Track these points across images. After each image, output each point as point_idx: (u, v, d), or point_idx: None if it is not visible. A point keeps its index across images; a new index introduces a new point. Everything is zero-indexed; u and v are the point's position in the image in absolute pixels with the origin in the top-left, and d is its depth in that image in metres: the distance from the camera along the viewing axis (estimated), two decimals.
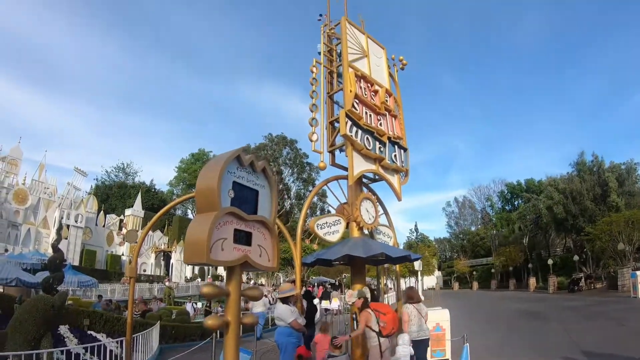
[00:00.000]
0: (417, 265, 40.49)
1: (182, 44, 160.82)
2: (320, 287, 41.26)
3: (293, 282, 11.72)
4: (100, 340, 13.75)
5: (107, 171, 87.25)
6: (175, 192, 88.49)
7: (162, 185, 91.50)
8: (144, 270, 60.75)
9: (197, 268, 62.91)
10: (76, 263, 48.75)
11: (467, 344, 11.17)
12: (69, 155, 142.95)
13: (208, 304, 32.05)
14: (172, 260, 63.09)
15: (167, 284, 44.85)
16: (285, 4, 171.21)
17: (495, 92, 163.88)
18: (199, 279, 57.28)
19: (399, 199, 13.94)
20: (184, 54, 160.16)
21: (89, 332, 14.14)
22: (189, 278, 59.28)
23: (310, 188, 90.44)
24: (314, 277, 55.51)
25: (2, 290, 19.94)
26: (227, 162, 3.47)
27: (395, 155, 14.00)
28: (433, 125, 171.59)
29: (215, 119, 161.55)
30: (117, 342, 11.56)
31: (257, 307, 23.14)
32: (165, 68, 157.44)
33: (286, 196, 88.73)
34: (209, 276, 60.03)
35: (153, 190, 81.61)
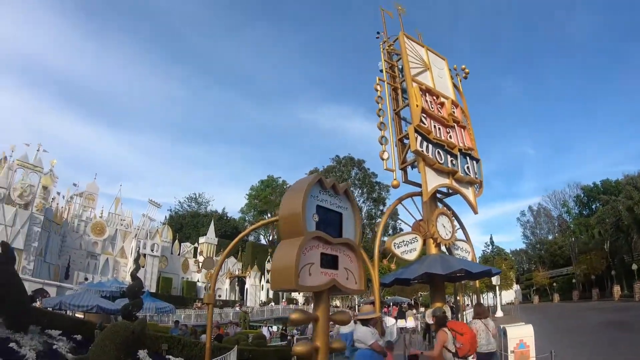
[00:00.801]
0: (495, 279, 39.03)
1: (239, 75, 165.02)
2: (395, 306, 40.45)
3: (372, 303, 11.39)
4: None
5: (180, 202, 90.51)
6: (247, 218, 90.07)
7: (234, 213, 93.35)
8: (219, 296, 61.40)
9: (271, 292, 63.26)
10: (153, 290, 50.30)
11: None
12: (142, 188, 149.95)
13: (284, 328, 32.01)
14: (246, 285, 63.76)
15: (237, 308, 45.19)
16: (336, 26, 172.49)
17: (558, 92, 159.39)
18: (272, 303, 57.43)
19: (475, 212, 13.46)
20: (242, 84, 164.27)
21: (167, 356, 14.22)
22: (263, 302, 59.56)
23: (381, 207, 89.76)
24: (389, 297, 54.44)
25: (83, 317, 20.65)
26: (309, 186, 3.42)
27: (467, 167, 13.57)
28: (497, 133, 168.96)
29: (281, 145, 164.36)
30: None
31: (345, 328, 22.99)
32: (226, 100, 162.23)
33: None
34: (283, 300, 60.11)
35: (225, 217, 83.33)
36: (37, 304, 21.50)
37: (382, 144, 12.38)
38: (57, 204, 52.27)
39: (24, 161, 46.33)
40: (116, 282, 42.03)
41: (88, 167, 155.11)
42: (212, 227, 66.57)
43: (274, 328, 34.37)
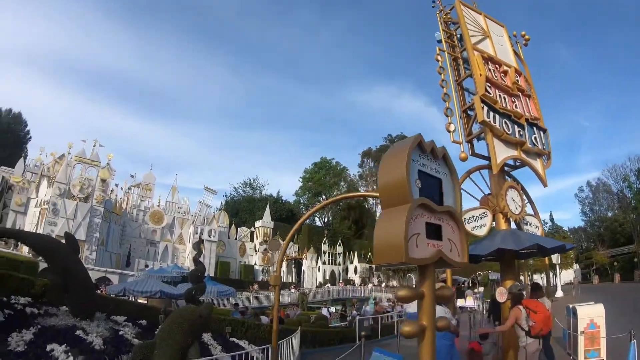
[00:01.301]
0: (555, 258, 37.78)
1: (288, 59, 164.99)
2: (453, 286, 39.73)
3: (443, 281, 10.95)
4: (243, 347, 13.71)
5: (234, 187, 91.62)
6: (301, 201, 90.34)
7: (289, 196, 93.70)
8: None
9: (327, 274, 63.48)
10: (212, 274, 51.19)
11: (635, 340, 9.55)
12: (197, 177, 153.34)
13: (344, 309, 31.79)
14: (303, 267, 64.11)
15: (292, 290, 45.38)
16: (381, 2, 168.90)
17: (617, 59, 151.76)
18: (329, 285, 57.50)
19: (545, 185, 12.93)
20: (290, 67, 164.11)
21: (231, 339, 14.13)
22: (320, 284, 59.72)
23: None
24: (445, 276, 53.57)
25: (146, 302, 20.92)
26: (411, 148, 3.08)
27: (535, 138, 13.11)
28: (552, 103, 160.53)
29: (333, 127, 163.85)
30: (261, 350, 11.29)
31: (412, 307, 22.54)
32: (277, 85, 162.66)
33: None
34: (340, 281, 60.09)
35: (280, 201, 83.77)
36: (101, 291, 22.01)
37: (447, 116, 11.92)
38: (116, 195, 54.72)
39: (82, 157, 48.56)
40: (176, 267, 43.15)
41: (143, 159, 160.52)
42: (267, 211, 67.17)
43: (332, 309, 34.26)
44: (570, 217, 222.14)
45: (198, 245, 16.64)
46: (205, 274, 43.33)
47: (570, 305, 14.66)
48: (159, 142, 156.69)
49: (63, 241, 12.26)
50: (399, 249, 2.76)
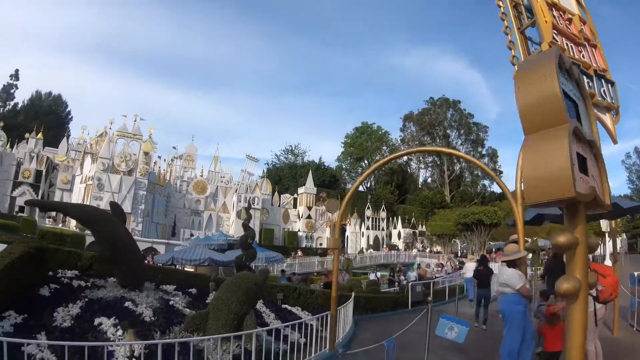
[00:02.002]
0: (605, 225, 36.03)
1: (323, 22, 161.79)
2: (499, 252, 38.59)
3: (515, 242, 9.99)
4: (296, 314, 13.15)
5: (276, 154, 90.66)
6: (343, 167, 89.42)
7: (331, 162, 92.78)
8: (320, 244, 62.08)
9: (371, 239, 62.85)
10: (256, 241, 50.66)
11: None
12: (238, 146, 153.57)
13: (392, 273, 31.07)
14: (346, 233, 63.54)
15: (344, 256, 44.95)
16: None
17: None
18: (371, 250, 56.91)
19: (615, 142, 11.95)
20: (327, 31, 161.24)
21: (283, 305, 13.58)
22: (363, 249, 59.23)
23: (480, 149, 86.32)
24: (492, 243, 52.31)
25: (194, 271, 20.58)
26: (556, 59, 2.24)
27: (604, 91, 12.02)
28: None
29: (371, 91, 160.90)
30: (317, 318, 10.60)
31: (468, 272, 21.43)
32: (312, 50, 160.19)
33: (455, 160, 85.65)
34: (383, 246, 59.46)
35: (322, 167, 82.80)
36: (149, 261, 21.80)
37: (514, 64, 10.90)
38: (159, 167, 55.30)
39: (123, 131, 48.85)
40: (222, 235, 43.11)
41: (184, 132, 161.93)
42: (310, 177, 66.51)
43: (379, 274, 33.47)
44: (616, 186, 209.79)
45: (247, 210, 15.98)
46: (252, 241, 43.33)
47: (636, 273, 13.70)
48: (199, 115, 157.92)
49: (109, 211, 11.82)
50: (563, 180, 1.98)
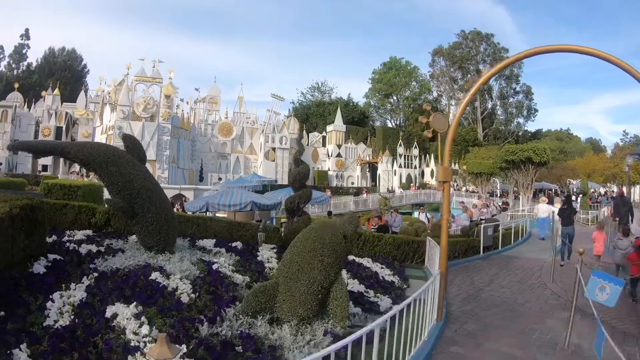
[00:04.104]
0: None
1: None
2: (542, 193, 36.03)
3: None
4: (372, 269, 10.41)
5: (302, 93, 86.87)
6: (372, 103, 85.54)
7: (359, 99, 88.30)
8: (352, 183, 60.01)
9: (404, 177, 60.00)
10: (285, 182, 48.86)
11: None
12: (262, 90, 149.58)
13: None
14: (378, 171, 60.70)
15: (365, 195, 42.47)
16: None
17: None
18: (401, 190, 53.68)
19: None
20: None
21: (350, 258, 10.78)
22: (391, 189, 56.08)
23: (514, 85, 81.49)
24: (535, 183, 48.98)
25: (225, 216, 17.59)
26: None
27: None
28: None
29: (396, 27, 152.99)
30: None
31: (542, 212, 20.95)
32: None
33: (487, 96, 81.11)
34: (412, 185, 56.21)
35: (351, 104, 79.03)
36: (178, 209, 18.75)
37: None
38: (182, 110, 52.78)
39: (142, 76, 46.44)
40: (256, 176, 41.18)
41: (204, 78, 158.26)
42: (339, 114, 63.28)
43: (429, 214, 30.08)
44: None
45: (299, 141, 12.97)
46: (270, 179, 40.32)
47: None
48: (220, 61, 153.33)
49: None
50: None
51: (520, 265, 14.57)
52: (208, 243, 9.59)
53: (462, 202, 34.12)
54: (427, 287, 6.27)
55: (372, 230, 16.86)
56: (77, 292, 5.88)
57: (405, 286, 10.26)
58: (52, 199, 11.15)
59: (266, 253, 9.68)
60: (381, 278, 10.09)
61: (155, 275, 6.63)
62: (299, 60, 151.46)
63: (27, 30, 74.06)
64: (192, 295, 6.28)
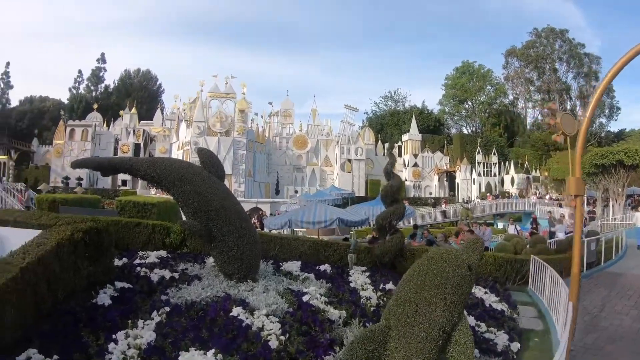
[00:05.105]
0: None
1: None
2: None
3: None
4: (472, 292, 9.00)
5: (375, 102, 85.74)
6: (446, 110, 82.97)
7: (434, 106, 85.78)
8: (430, 193, 58.29)
9: (483, 186, 57.21)
10: (362, 194, 48.83)
11: None
12: (332, 101, 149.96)
13: (534, 225, 25.73)
14: (456, 180, 58.36)
15: (444, 206, 40.41)
16: None
17: None
18: (477, 200, 50.74)
19: None
20: None
21: None
22: (467, 199, 53.27)
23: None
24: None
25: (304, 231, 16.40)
26: None
27: None
28: None
29: (464, 30, 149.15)
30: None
31: None
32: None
33: (566, 96, 76.57)
34: (490, 194, 53.06)
35: (425, 111, 77.11)
36: (256, 224, 17.70)
37: None
38: (257, 124, 53.43)
39: (216, 92, 47.23)
40: (335, 188, 40.38)
41: (276, 93, 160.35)
42: (414, 123, 61.68)
43: (518, 227, 27.76)
44: None
45: (391, 152, 11.76)
46: (350, 192, 39.07)
47: None
48: (290, 74, 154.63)
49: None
50: None
51: (629, 284, 13.08)
52: (294, 267, 8.45)
53: (550, 212, 31.51)
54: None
55: (461, 244, 15.27)
56: (146, 332, 4.89)
57: (515, 315, 8.79)
58: (125, 216, 10.46)
59: (359, 278, 8.45)
60: (488, 306, 8.67)
61: (237, 310, 5.53)
62: (371, 70, 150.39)
63: (102, 54, 78.49)
64: (282, 337, 5.14)
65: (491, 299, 9.12)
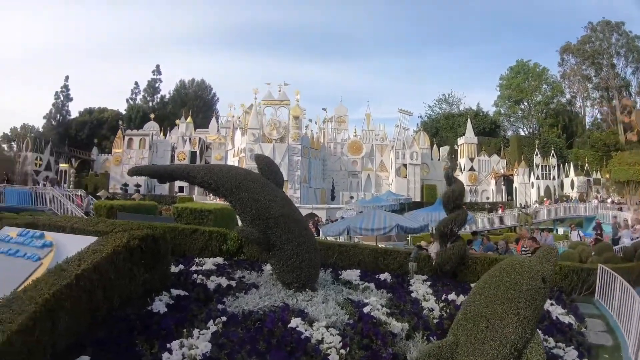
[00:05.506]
0: None
1: None
2: None
3: None
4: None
5: (429, 106, 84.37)
6: (502, 111, 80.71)
7: (489, 107, 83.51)
8: (487, 198, 56.35)
9: (542, 189, 55.03)
10: (418, 199, 47.93)
11: None
12: (385, 106, 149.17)
13: (598, 231, 24.39)
14: (514, 184, 56.46)
15: (500, 211, 38.94)
16: None
17: None
18: (536, 204, 48.68)
19: None
20: None
21: None
22: (523, 204, 51.22)
23: None
24: None
25: (359, 240, 15.92)
26: None
27: None
28: None
29: (516, 28, 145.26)
30: None
31: None
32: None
33: (625, 93, 72.82)
34: (549, 198, 50.97)
35: (481, 114, 75.35)
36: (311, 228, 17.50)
37: None
38: (311, 131, 53.56)
39: (269, 99, 47.76)
40: (391, 194, 39.82)
41: (329, 100, 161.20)
42: (469, 126, 60.24)
43: (581, 232, 26.36)
44: None
45: (451, 157, 11.31)
46: (409, 198, 38.19)
47: None
48: (343, 79, 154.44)
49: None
50: None
51: None
52: (353, 275, 8.15)
53: (615, 217, 29.81)
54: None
55: (523, 254, 14.51)
56: (201, 342, 4.71)
57: (582, 329, 8.21)
58: (182, 223, 10.46)
59: (420, 287, 8.05)
60: (555, 318, 8.11)
61: (295, 322, 5.27)
62: (423, 73, 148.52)
63: (157, 66, 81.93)
64: (342, 351, 4.84)
65: (557, 311, 8.54)
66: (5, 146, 66.02)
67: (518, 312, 4.24)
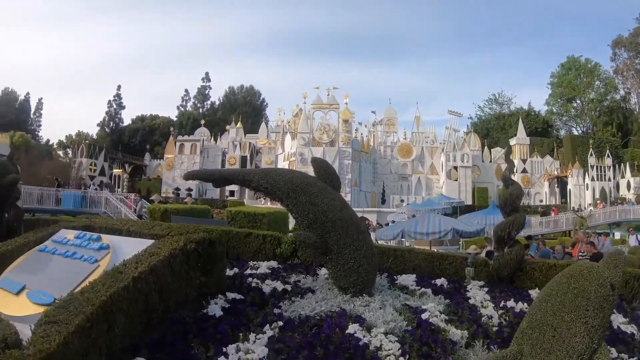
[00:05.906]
0: None
1: None
2: None
3: None
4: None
5: (479, 107, 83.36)
6: (554, 110, 78.39)
7: (540, 107, 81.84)
8: (540, 201, 55.73)
9: (597, 191, 52.76)
10: (469, 202, 47.65)
11: None
12: (434, 108, 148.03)
13: None
14: (568, 186, 54.62)
15: (553, 215, 37.68)
16: None
17: None
18: (590, 207, 46.73)
19: None
20: None
21: None
22: (577, 207, 49.27)
23: None
24: None
25: (410, 245, 15.67)
26: None
27: None
28: None
29: (564, 23, 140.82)
30: None
31: None
32: None
33: None
34: (603, 200, 48.81)
35: (532, 113, 73.66)
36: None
37: None
38: (361, 134, 53.91)
39: (319, 103, 48.39)
40: (444, 197, 39.79)
41: (377, 102, 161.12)
42: (521, 126, 59.13)
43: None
44: None
45: (508, 158, 11.04)
46: (459, 200, 37.59)
47: None
48: (392, 82, 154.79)
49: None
50: None
51: None
52: (409, 280, 7.97)
53: None
54: None
55: (580, 259, 13.91)
56: (258, 347, 4.66)
57: None
58: (235, 226, 10.54)
59: (478, 294, 7.80)
60: (616, 327, 7.64)
61: (353, 328, 5.17)
62: (472, 73, 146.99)
63: (207, 73, 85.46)
64: (401, 358, 4.71)
65: (619, 320, 8.06)
66: (61, 152, 69.07)
67: (586, 320, 4.02)
